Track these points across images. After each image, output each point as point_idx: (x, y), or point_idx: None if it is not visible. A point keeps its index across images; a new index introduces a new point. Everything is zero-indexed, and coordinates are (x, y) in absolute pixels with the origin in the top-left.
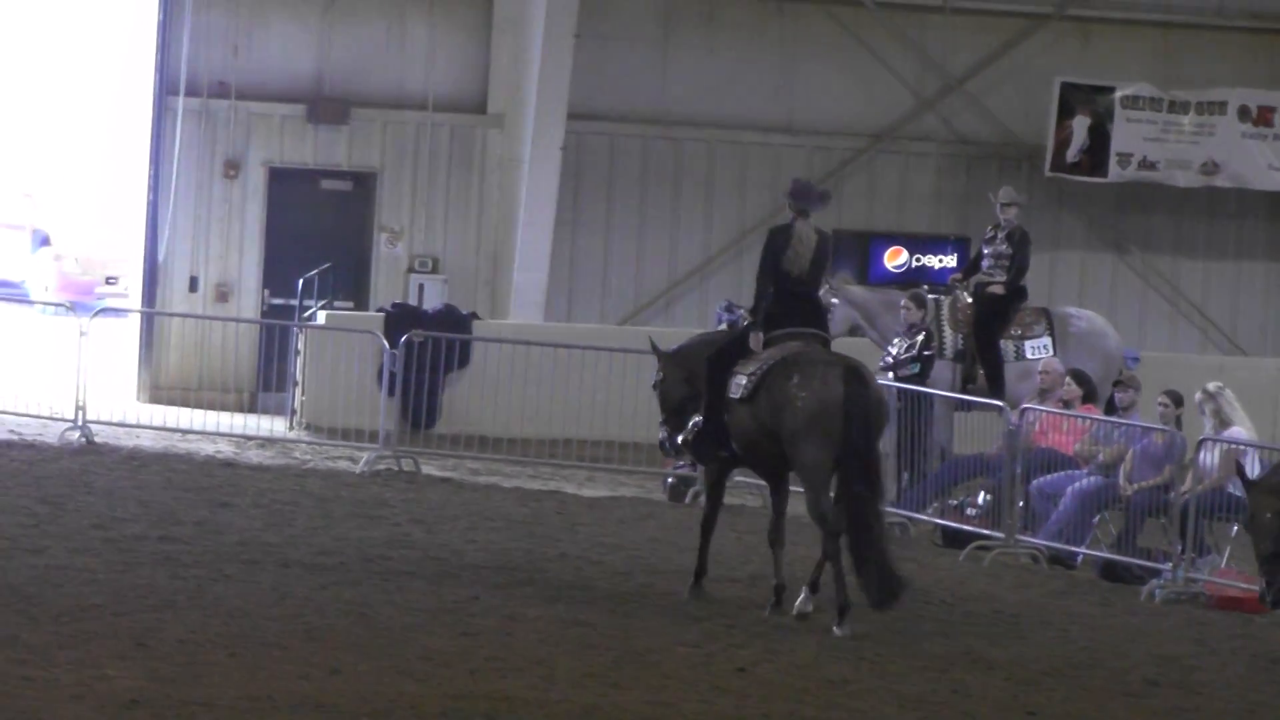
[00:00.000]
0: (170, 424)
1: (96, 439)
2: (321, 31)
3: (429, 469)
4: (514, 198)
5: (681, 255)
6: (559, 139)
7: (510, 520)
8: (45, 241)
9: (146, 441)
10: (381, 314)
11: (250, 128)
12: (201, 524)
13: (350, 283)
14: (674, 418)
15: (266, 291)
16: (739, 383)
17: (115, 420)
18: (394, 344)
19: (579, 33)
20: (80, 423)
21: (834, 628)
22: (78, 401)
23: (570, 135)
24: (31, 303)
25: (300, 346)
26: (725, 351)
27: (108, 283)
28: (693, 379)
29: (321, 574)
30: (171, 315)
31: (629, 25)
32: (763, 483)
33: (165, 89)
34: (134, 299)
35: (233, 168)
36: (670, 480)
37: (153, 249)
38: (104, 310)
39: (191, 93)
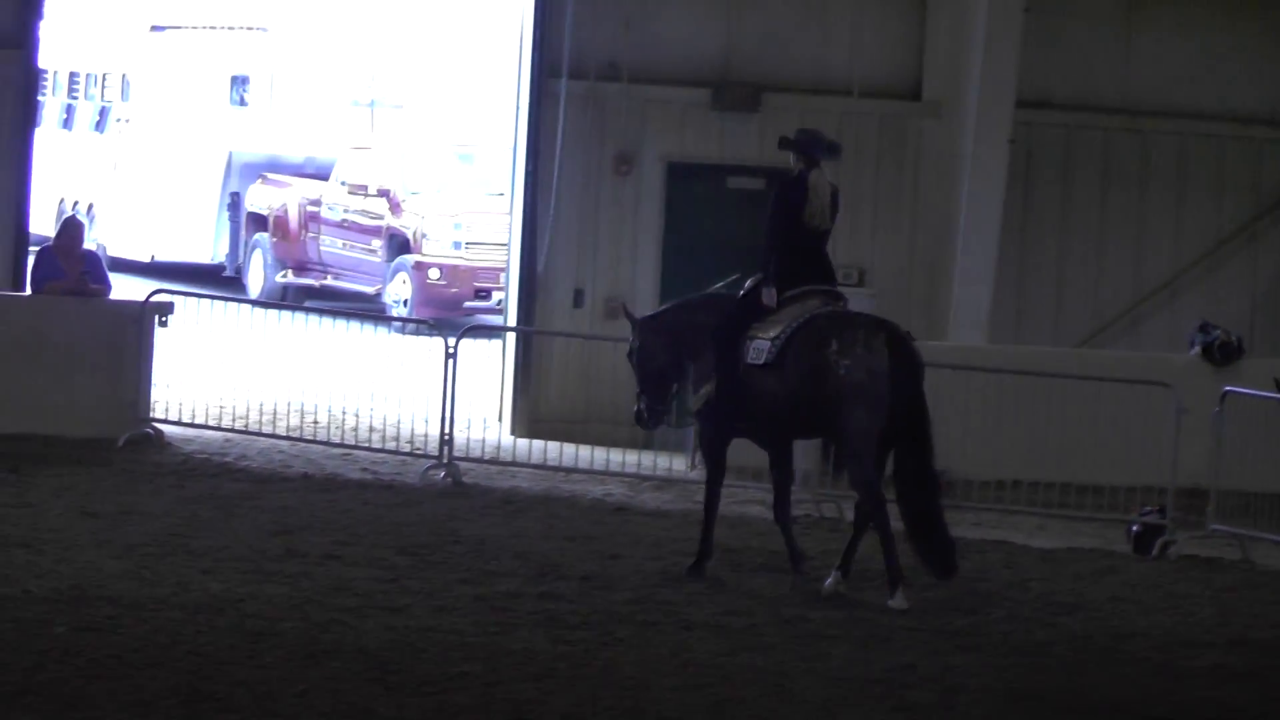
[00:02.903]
0: (551, 462)
1: (465, 479)
2: (730, 4)
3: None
4: (953, 199)
5: (1148, 267)
6: (1006, 131)
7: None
8: (404, 248)
9: (523, 482)
10: None
11: (645, 116)
12: (588, 579)
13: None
14: (653, 388)
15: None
16: (760, 347)
17: (487, 457)
18: None
19: (1028, 7)
20: (446, 460)
21: (888, 600)
22: (443, 435)
23: (1019, 126)
24: (390, 320)
25: None
26: (734, 315)
27: (478, 297)
28: (674, 346)
29: (729, 637)
30: (553, 335)
31: (1087, 0)
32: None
33: (545, 70)
34: (509, 316)
35: (625, 162)
36: (1136, 529)
37: (530, 257)
38: (473, 329)
39: (576, 75)
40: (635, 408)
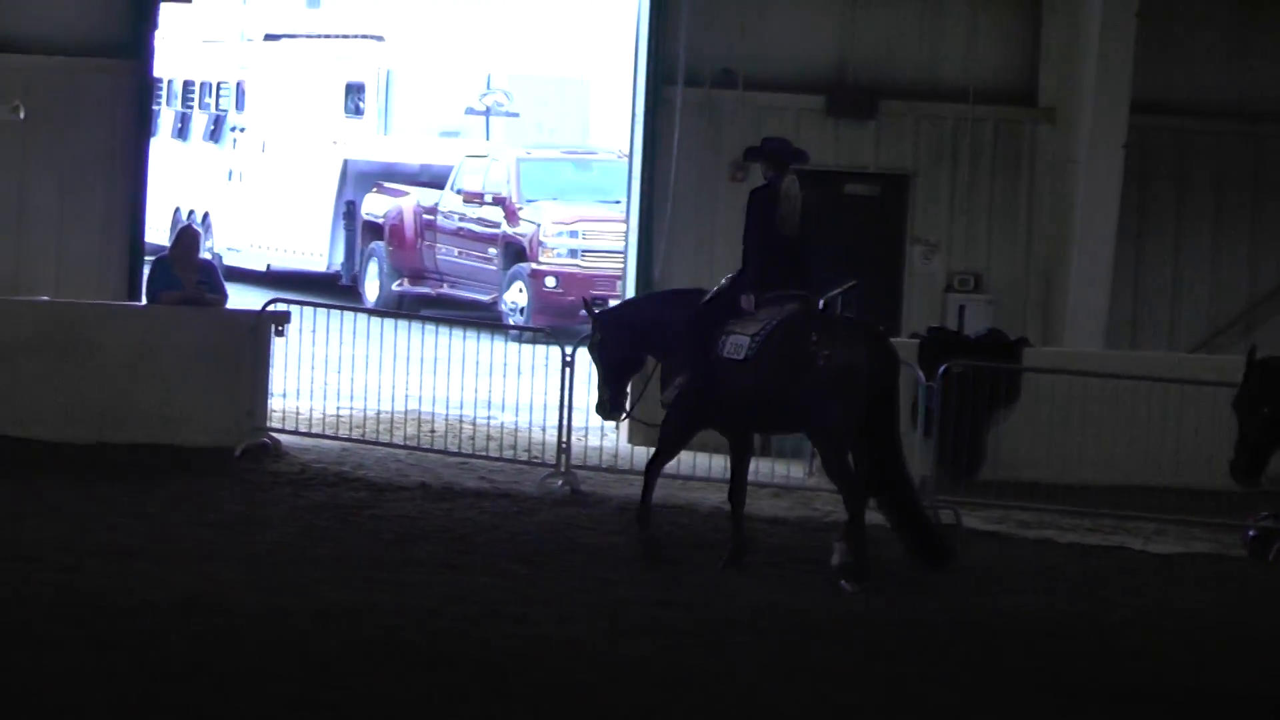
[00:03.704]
0: (668, 469)
1: (582, 487)
2: (844, 9)
3: (971, 521)
4: (1069, 204)
5: (1263, 271)
6: (1120, 136)
7: (1067, 581)
8: (520, 256)
9: (639, 490)
10: (916, 340)
11: (760, 122)
12: (706, 586)
13: (879, 303)
14: (613, 379)
15: None
16: (738, 343)
17: (604, 465)
18: (931, 376)
19: (1142, 11)
20: (563, 468)
21: (843, 582)
22: (560, 443)
23: (1133, 131)
24: (506, 328)
25: None
26: (707, 313)
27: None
28: (633, 340)
29: (850, 645)
30: None
31: (1202, 3)
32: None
33: (660, 77)
34: None
35: (740, 169)
36: (1253, 534)
37: (647, 265)
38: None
39: (692, 82)
40: (600, 399)
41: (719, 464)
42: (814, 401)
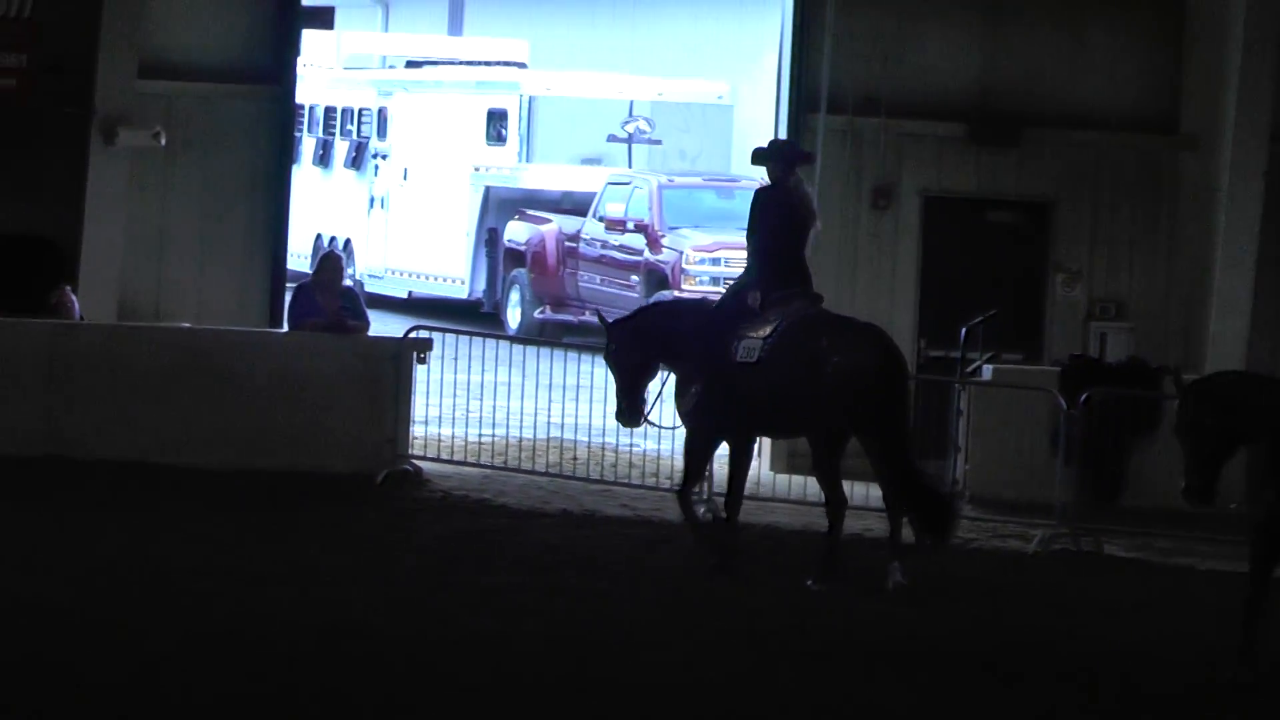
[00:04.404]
0: (810, 497)
1: (724, 514)
2: (985, 38)
3: (1113, 548)
4: (1210, 232)
5: None
6: (1261, 164)
7: (1210, 610)
8: (663, 283)
9: (782, 518)
10: (1058, 368)
11: (902, 149)
12: (848, 614)
13: (1020, 332)
14: (630, 386)
15: (922, 342)
16: (749, 347)
17: (746, 493)
18: (1072, 403)
19: None
20: (706, 495)
21: (809, 581)
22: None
23: (1274, 159)
24: None
25: (963, 406)
26: (717, 317)
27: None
28: (645, 347)
29: (994, 675)
30: None
31: None
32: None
33: (803, 104)
34: None
35: (883, 196)
36: None
37: None
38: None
39: (834, 109)
40: (617, 406)
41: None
42: (821, 404)
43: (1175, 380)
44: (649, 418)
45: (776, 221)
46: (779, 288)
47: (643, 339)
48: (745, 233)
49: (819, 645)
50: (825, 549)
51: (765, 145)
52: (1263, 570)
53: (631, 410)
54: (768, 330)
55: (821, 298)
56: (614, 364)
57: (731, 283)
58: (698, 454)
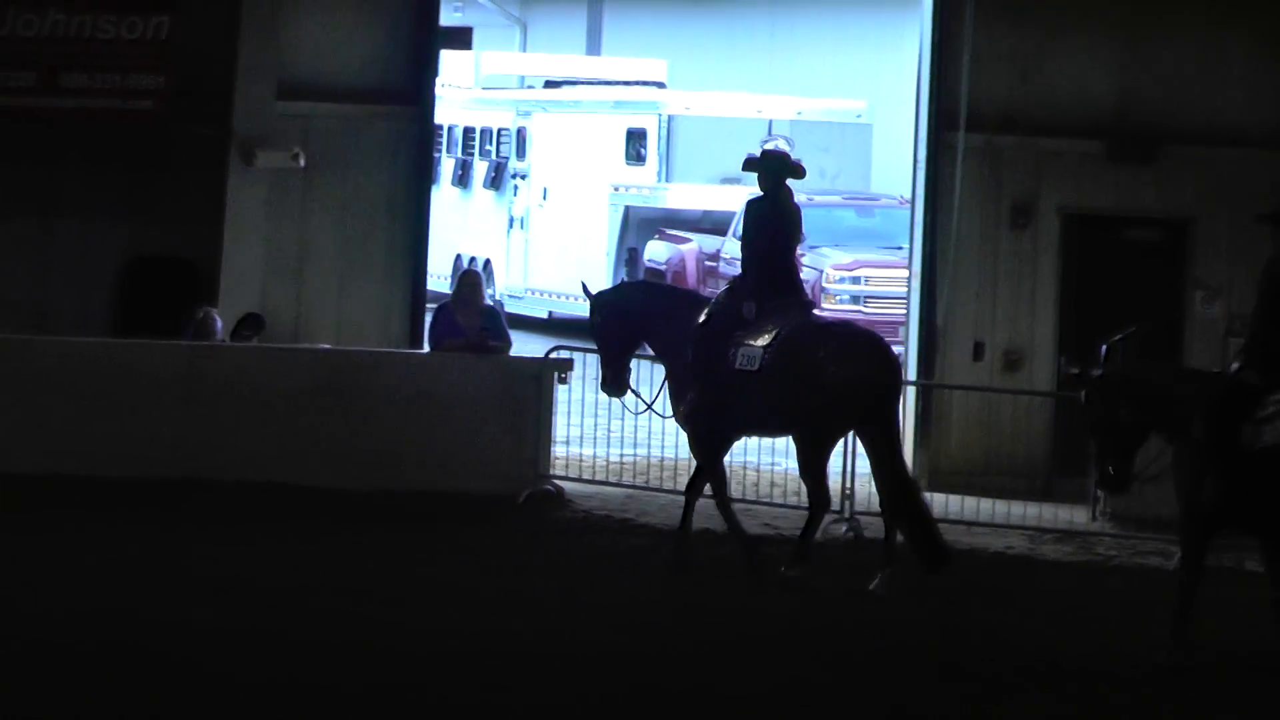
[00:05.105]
0: (952, 514)
1: (866, 533)
2: (1124, 53)
3: (1254, 564)
4: None
5: None
6: None
7: None
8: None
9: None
10: None
11: (1041, 167)
12: (991, 633)
13: (1159, 348)
14: (614, 358)
15: (1063, 359)
16: (750, 354)
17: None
18: None
19: None
20: (848, 514)
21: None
22: (844, 489)
23: None
24: None
25: None
26: (713, 323)
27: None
28: (630, 324)
29: (1127, 692)
30: (952, 388)
31: None
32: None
33: (942, 122)
34: (909, 369)
35: (1022, 214)
36: None
37: (930, 311)
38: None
39: (973, 127)
40: (602, 377)
41: (1000, 509)
42: (819, 410)
43: (1079, 377)
44: (634, 389)
45: (769, 232)
46: (773, 297)
47: (627, 314)
48: (740, 243)
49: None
50: (801, 535)
51: (757, 155)
52: (1197, 557)
53: (616, 381)
54: (767, 339)
55: (814, 305)
56: (599, 336)
57: (724, 290)
58: (712, 459)
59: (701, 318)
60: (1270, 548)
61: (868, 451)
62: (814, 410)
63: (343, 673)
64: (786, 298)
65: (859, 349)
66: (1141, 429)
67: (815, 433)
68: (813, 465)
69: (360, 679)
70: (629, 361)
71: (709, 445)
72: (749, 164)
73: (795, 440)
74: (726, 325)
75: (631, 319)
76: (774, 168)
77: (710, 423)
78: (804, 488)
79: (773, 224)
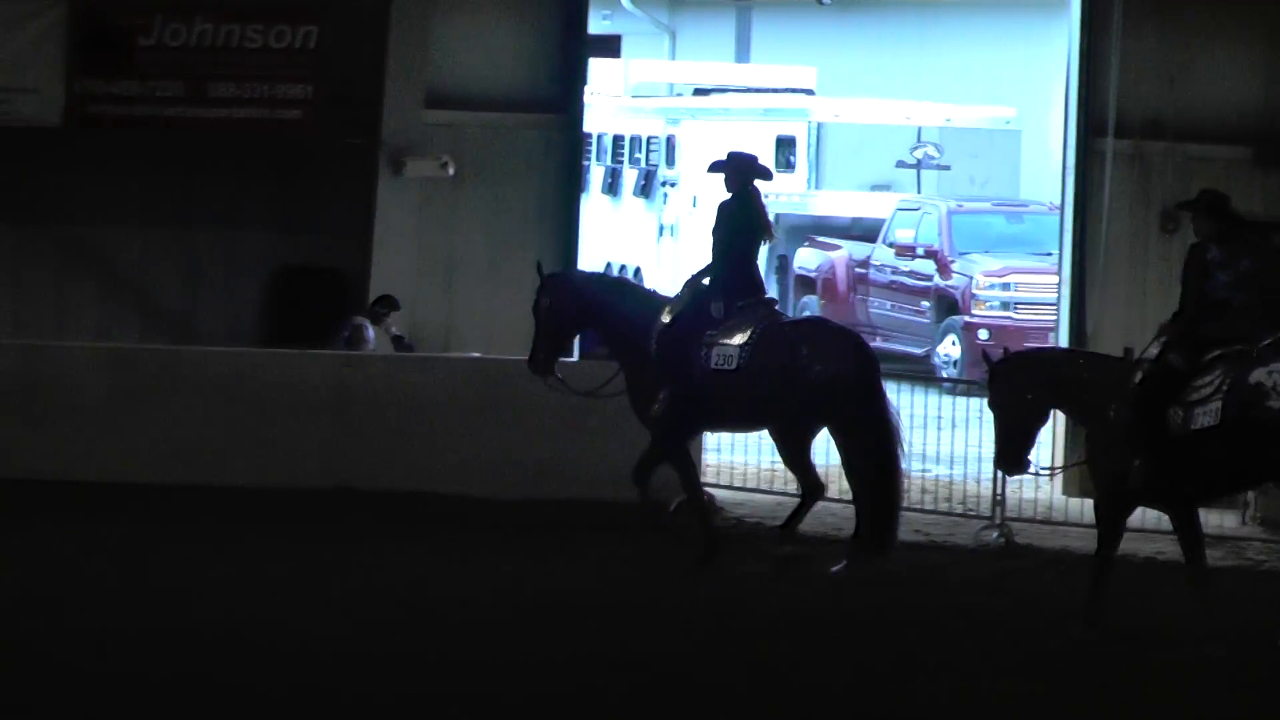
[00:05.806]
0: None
1: (1017, 539)
2: (1272, 59)
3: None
4: None
5: None
6: None
7: None
8: (953, 309)
9: (1075, 541)
10: None
11: (1189, 174)
12: (1140, 638)
13: None
14: (551, 341)
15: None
16: (725, 354)
17: (1039, 517)
18: None
19: None
20: (999, 520)
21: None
22: (995, 495)
23: None
24: (940, 381)
25: None
26: (681, 323)
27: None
28: (578, 311)
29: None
30: None
31: None
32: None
33: (1090, 128)
34: None
35: (1171, 220)
36: None
37: (1080, 317)
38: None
39: (1121, 133)
40: (535, 356)
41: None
42: (801, 408)
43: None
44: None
45: (737, 231)
46: (740, 296)
47: (580, 302)
48: (711, 243)
49: (1107, 665)
50: (789, 520)
51: (724, 158)
52: (1115, 536)
53: (545, 366)
54: (743, 338)
55: (776, 302)
56: (545, 316)
57: (684, 288)
58: (677, 454)
59: (666, 317)
60: (1182, 522)
61: (838, 445)
62: (797, 406)
63: (477, 689)
64: (752, 297)
65: (839, 346)
66: (1042, 411)
67: (798, 427)
68: (795, 458)
69: (483, 696)
70: (567, 347)
71: (672, 439)
72: (715, 166)
73: (775, 436)
74: (695, 325)
75: (584, 308)
76: (742, 169)
77: (680, 421)
78: (955, 493)
79: (739, 225)
